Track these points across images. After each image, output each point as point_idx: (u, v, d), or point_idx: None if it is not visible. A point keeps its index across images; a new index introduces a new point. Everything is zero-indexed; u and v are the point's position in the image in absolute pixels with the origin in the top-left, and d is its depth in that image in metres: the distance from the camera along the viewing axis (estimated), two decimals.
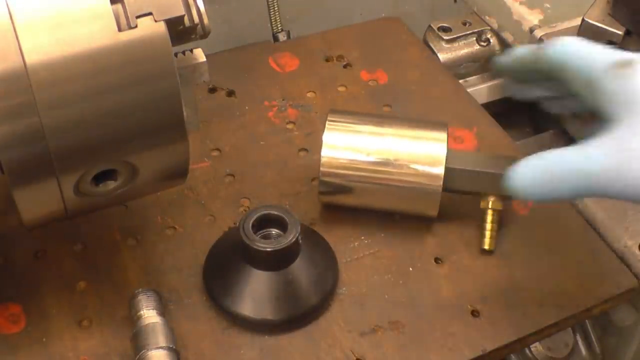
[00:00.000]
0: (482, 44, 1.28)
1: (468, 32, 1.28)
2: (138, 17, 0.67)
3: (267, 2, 1.31)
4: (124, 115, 0.69)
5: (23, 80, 0.64)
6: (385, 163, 0.92)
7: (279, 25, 1.32)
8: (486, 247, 0.94)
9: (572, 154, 0.73)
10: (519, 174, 0.75)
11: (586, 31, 1.05)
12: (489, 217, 0.94)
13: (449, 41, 1.27)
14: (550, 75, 0.82)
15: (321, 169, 0.93)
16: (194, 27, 0.73)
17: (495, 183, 0.92)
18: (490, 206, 0.94)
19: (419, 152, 0.93)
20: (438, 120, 0.98)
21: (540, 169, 0.74)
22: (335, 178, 0.93)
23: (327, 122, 0.94)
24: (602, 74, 0.75)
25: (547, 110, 0.92)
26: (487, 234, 0.94)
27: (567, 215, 0.99)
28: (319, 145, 0.93)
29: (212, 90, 1.14)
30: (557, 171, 0.73)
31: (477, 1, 1.31)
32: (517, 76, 0.90)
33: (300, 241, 0.86)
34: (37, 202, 0.72)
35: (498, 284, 0.92)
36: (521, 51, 0.86)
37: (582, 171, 0.71)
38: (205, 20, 0.73)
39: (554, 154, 0.74)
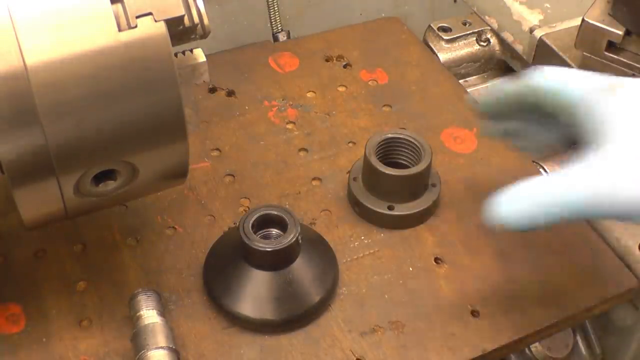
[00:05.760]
0: (482, 44, 1.28)
1: (468, 32, 1.28)
2: (138, 17, 0.67)
3: (267, 2, 1.31)
4: (124, 116, 0.69)
5: (23, 81, 0.64)
6: None
7: (279, 25, 1.32)
8: None
9: (559, 181, 0.71)
10: (504, 204, 0.72)
11: (586, 31, 1.05)
12: None
13: (449, 41, 1.27)
14: (535, 105, 0.80)
15: None
16: (194, 27, 0.73)
17: None
18: None
19: None
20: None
21: (527, 199, 0.71)
22: None
23: None
24: (595, 96, 0.74)
25: (523, 150, 0.91)
26: None
27: None
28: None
29: (212, 90, 1.14)
30: (547, 200, 0.70)
31: (477, 1, 1.31)
32: (498, 113, 0.88)
33: (300, 241, 0.86)
34: (37, 202, 0.72)
35: (498, 284, 0.92)
36: (506, 87, 0.84)
37: (573, 196, 0.69)
38: (205, 20, 0.73)
39: (539, 182, 0.72)
